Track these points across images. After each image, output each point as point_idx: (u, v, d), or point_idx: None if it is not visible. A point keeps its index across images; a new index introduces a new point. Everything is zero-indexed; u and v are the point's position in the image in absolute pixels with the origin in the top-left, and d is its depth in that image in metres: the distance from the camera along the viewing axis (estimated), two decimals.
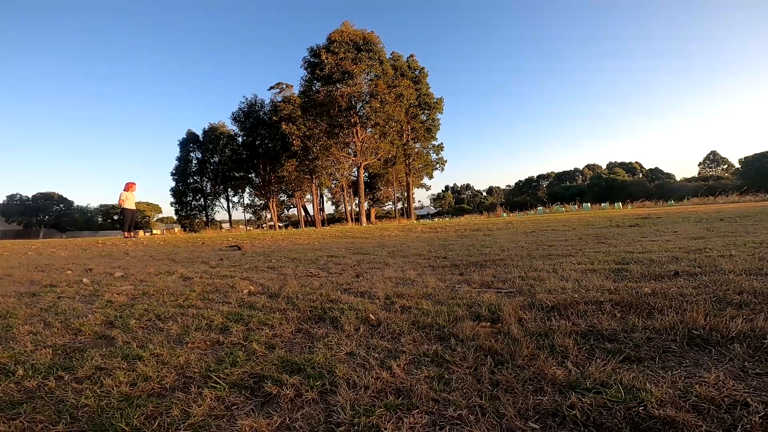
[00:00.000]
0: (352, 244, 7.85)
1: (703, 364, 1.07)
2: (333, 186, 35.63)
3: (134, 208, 11.96)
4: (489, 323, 1.53)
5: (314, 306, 2.00)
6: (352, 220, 34.59)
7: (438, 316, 1.64)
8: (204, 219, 43.26)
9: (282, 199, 42.92)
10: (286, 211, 50.06)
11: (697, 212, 12.36)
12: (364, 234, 11.59)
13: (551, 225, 10.25)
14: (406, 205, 39.73)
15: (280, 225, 41.50)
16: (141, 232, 20.20)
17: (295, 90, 33.84)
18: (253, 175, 39.62)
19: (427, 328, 1.54)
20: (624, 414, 0.80)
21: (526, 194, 77.83)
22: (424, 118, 35.03)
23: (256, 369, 1.20)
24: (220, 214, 46.66)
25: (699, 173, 71.62)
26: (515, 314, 1.59)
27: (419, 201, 52.20)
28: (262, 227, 44.34)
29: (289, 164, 32.61)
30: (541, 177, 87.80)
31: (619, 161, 79.53)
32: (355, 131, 26.50)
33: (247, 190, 42.75)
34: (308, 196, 39.45)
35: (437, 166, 37.82)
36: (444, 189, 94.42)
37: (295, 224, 40.90)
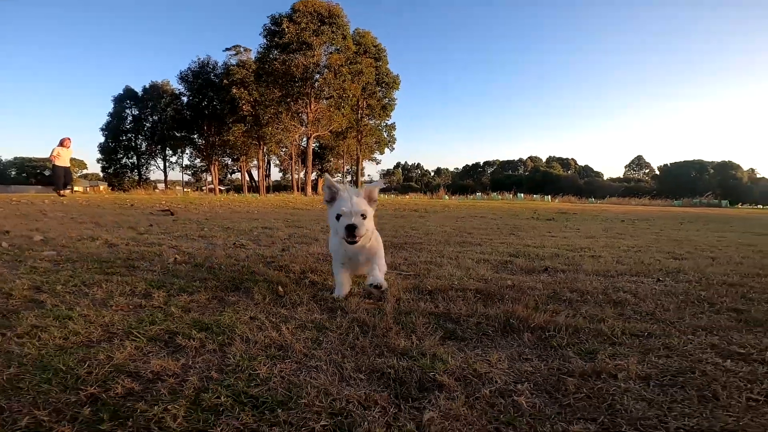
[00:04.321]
0: (290, 215, 7.98)
1: (498, 347, 1.40)
2: (281, 154, 34.71)
3: (67, 165, 11.25)
4: (373, 301, 1.89)
5: (233, 277, 2.23)
6: (298, 190, 34.14)
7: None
8: (136, 178, 40.48)
9: (226, 162, 41.16)
10: (229, 175, 48.02)
11: (608, 212, 13.87)
12: (306, 206, 11.70)
13: (482, 212, 11.05)
14: (354, 179, 39.87)
15: (222, 189, 39.87)
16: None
17: (253, 55, 32.18)
18: (196, 136, 37.54)
19: (322, 301, 1.86)
20: (419, 376, 1.13)
21: (471, 178, 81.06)
22: (381, 96, 34.92)
23: (171, 327, 1.44)
24: (155, 174, 43.85)
25: (624, 174, 78.80)
26: (397, 295, 1.96)
27: (369, 175, 52.46)
28: (201, 190, 42.45)
29: (237, 129, 31.28)
30: (487, 163, 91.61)
31: (557, 156, 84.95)
32: (308, 102, 25.90)
33: (187, 151, 40.53)
34: (254, 162, 38.15)
35: (389, 144, 38.17)
36: (395, 166, 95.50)
37: (238, 189, 39.45)
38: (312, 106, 25.86)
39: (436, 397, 1.04)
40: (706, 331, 1.55)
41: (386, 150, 39.03)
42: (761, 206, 27.02)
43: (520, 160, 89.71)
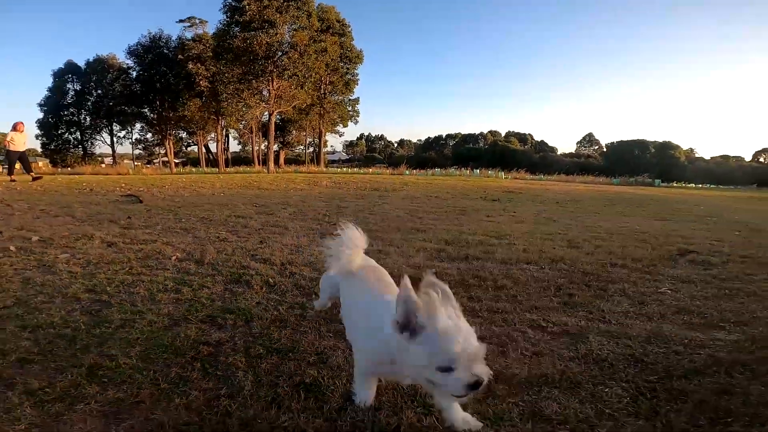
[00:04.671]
0: (257, 198, 8.49)
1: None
2: (241, 127, 33.98)
3: (22, 150, 11.13)
4: None
5: (232, 271, 2.95)
6: (259, 163, 33.80)
7: (313, 280, 2.79)
8: (81, 153, 38.34)
9: (180, 136, 39.66)
10: (185, 149, 46.22)
11: (550, 191, 15.17)
12: (271, 185, 12.15)
13: (437, 192, 11.98)
14: (317, 151, 39.86)
15: (177, 162, 38.54)
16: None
17: (210, 29, 30.76)
18: (147, 110, 35.82)
19: (302, 287, 2.67)
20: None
21: (434, 150, 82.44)
22: (345, 72, 34.74)
23: (209, 312, 2.21)
24: (101, 148, 41.68)
25: (576, 150, 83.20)
26: None
27: (332, 146, 52.40)
28: (153, 164, 40.90)
29: (193, 104, 30.18)
30: (449, 136, 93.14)
31: (515, 131, 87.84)
32: (270, 79, 25.44)
33: (138, 125, 38.68)
34: (212, 135, 37.07)
35: (352, 118, 38.35)
36: (358, 137, 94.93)
37: (195, 162, 38.31)
38: (274, 84, 25.45)
39: None
40: (537, 309, 2.45)
41: (350, 123, 39.26)
42: (693, 185, 29.83)
43: (481, 134, 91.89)
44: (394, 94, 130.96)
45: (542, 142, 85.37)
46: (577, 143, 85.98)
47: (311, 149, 44.28)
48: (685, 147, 60.96)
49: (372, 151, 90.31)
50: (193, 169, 28.54)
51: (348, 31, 34.37)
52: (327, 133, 40.86)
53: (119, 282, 2.66)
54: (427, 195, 10.83)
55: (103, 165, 34.98)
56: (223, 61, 26.09)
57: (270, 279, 2.79)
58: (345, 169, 30.95)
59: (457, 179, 21.17)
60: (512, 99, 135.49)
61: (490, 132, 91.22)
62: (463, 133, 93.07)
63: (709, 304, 2.57)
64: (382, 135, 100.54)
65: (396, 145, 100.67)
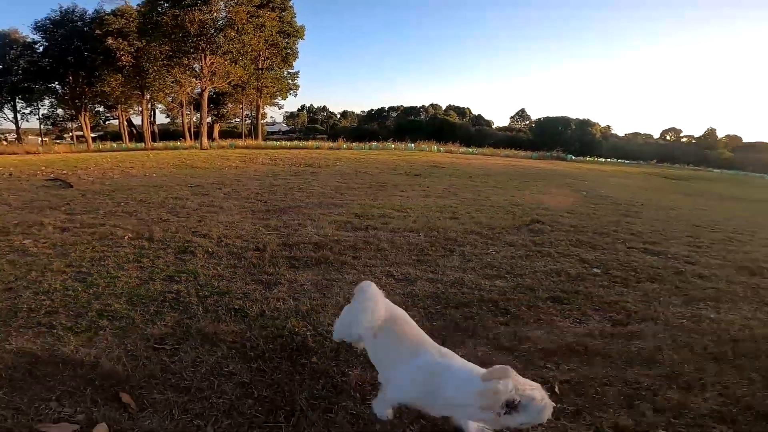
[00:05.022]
0: (192, 179, 8.83)
1: (310, 268, 3.43)
2: (170, 101, 32.04)
3: None
4: (258, 251, 3.71)
5: (179, 245, 3.80)
6: (191, 137, 32.45)
7: (242, 248, 3.77)
8: None
9: (98, 110, 36.54)
10: (103, 123, 42.50)
11: (471, 165, 16.70)
12: (205, 164, 12.34)
13: (367, 167, 12.90)
14: (254, 123, 38.89)
15: (94, 137, 35.63)
16: None
17: (134, 2, 28.14)
18: (58, 85, 32.51)
19: (235, 253, 3.64)
20: (276, 280, 3.10)
21: (376, 122, 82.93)
22: (284, 46, 33.79)
23: (167, 273, 3.11)
24: (1, 125, 37.36)
25: (509, 125, 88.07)
26: (272, 248, 3.82)
27: (272, 116, 50.99)
28: (63, 139, 37.62)
29: (114, 79, 27.94)
30: (392, 108, 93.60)
31: (455, 105, 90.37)
32: (203, 56, 24.26)
33: (47, 101, 35.03)
34: (136, 108, 34.52)
35: (291, 91, 37.70)
36: (300, 108, 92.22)
37: (115, 137, 35.51)
38: (207, 60, 24.36)
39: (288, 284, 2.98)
40: (396, 264, 3.59)
41: (290, 95, 38.56)
42: (603, 159, 33.39)
43: (423, 106, 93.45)
44: (340, 66, 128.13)
45: (479, 116, 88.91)
46: (510, 118, 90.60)
47: (248, 122, 42.93)
48: (604, 124, 66.90)
49: (314, 122, 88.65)
50: (114, 145, 26.84)
51: (289, 6, 33.33)
52: (266, 106, 39.88)
53: (90, 258, 3.43)
54: (356, 171, 11.79)
55: (5, 142, 31.76)
56: (150, 38, 24.40)
57: (209, 249, 3.72)
58: (284, 142, 30.68)
59: (391, 153, 22.32)
60: (455, 74, 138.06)
61: (431, 105, 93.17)
62: (405, 105, 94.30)
63: (512, 262, 3.83)
64: (324, 106, 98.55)
65: (339, 116, 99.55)
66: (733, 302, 3.21)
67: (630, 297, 3.17)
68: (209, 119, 35.64)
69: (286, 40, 33.91)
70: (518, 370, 1.46)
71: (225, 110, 39.96)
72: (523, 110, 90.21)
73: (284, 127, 78.86)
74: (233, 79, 26.55)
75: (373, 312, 1.75)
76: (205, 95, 26.45)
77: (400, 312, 1.88)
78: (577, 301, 3.03)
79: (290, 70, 36.64)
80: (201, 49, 24.16)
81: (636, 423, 1.78)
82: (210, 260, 3.46)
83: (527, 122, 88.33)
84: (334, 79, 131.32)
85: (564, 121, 64.06)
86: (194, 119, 38.06)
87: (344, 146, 26.98)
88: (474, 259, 3.91)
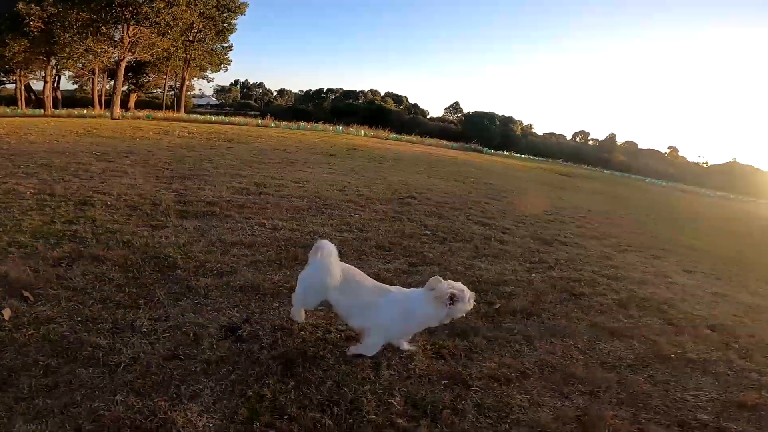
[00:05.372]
0: (98, 147, 8.80)
1: (199, 218, 4.28)
2: (80, 67, 29.03)
3: None
4: (153, 205, 4.45)
5: (80, 199, 4.35)
6: (101, 106, 30.01)
7: (139, 203, 4.46)
8: None
9: None
10: None
11: (389, 151, 17.80)
12: (114, 133, 12.00)
13: (286, 146, 13.38)
14: (178, 95, 36.71)
15: None
16: None
17: None
18: None
19: (132, 206, 4.32)
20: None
21: (312, 103, 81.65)
22: (221, 20, 32.07)
23: (68, 218, 3.74)
24: None
25: (443, 116, 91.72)
26: (167, 203, 4.56)
27: (200, 89, 47.96)
28: None
29: (18, 44, 24.76)
30: (330, 90, 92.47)
31: (393, 92, 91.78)
32: (125, 26, 22.41)
33: None
34: (38, 74, 30.81)
35: (222, 64, 36.03)
36: (232, 83, 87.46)
37: (9, 101, 31.46)
38: (129, 30, 22.59)
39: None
40: (270, 219, 4.59)
41: (222, 69, 36.80)
42: (518, 155, 36.59)
43: (362, 91, 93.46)
44: (282, 43, 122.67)
45: (415, 105, 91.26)
46: (445, 109, 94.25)
47: (172, 93, 40.28)
48: (526, 122, 72.24)
49: (247, 98, 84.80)
50: (8, 110, 24.12)
51: None
52: (193, 78, 37.73)
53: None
54: (274, 148, 12.36)
55: None
56: (68, 3, 22.09)
57: (108, 202, 4.36)
58: (210, 116, 29.55)
59: (316, 134, 22.88)
60: (400, 62, 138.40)
61: (370, 90, 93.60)
62: (344, 88, 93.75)
63: (366, 222, 4.85)
64: (260, 82, 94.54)
65: (275, 94, 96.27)
66: (507, 260, 4.11)
67: (437, 251, 4.19)
68: (125, 88, 32.97)
69: (225, 14, 32.34)
70: None
71: (146, 80, 37.10)
72: (457, 103, 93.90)
73: (213, 101, 74.63)
74: (157, 52, 24.97)
75: (335, 271, 2.07)
76: (123, 65, 24.60)
77: (344, 264, 2.22)
78: (395, 250, 4.06)
79: (224, 44, 34.99)
80: (125, 19, 22.43)
81: None
82: (108, 210, 4.13)
83: (459, 115, 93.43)
84: (275, 56, 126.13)
85: (490, 117, 68.54)
86: (107, 87, 34.98)
87: (272, 125, 26.91)
88: (337, 218, 4.98)
